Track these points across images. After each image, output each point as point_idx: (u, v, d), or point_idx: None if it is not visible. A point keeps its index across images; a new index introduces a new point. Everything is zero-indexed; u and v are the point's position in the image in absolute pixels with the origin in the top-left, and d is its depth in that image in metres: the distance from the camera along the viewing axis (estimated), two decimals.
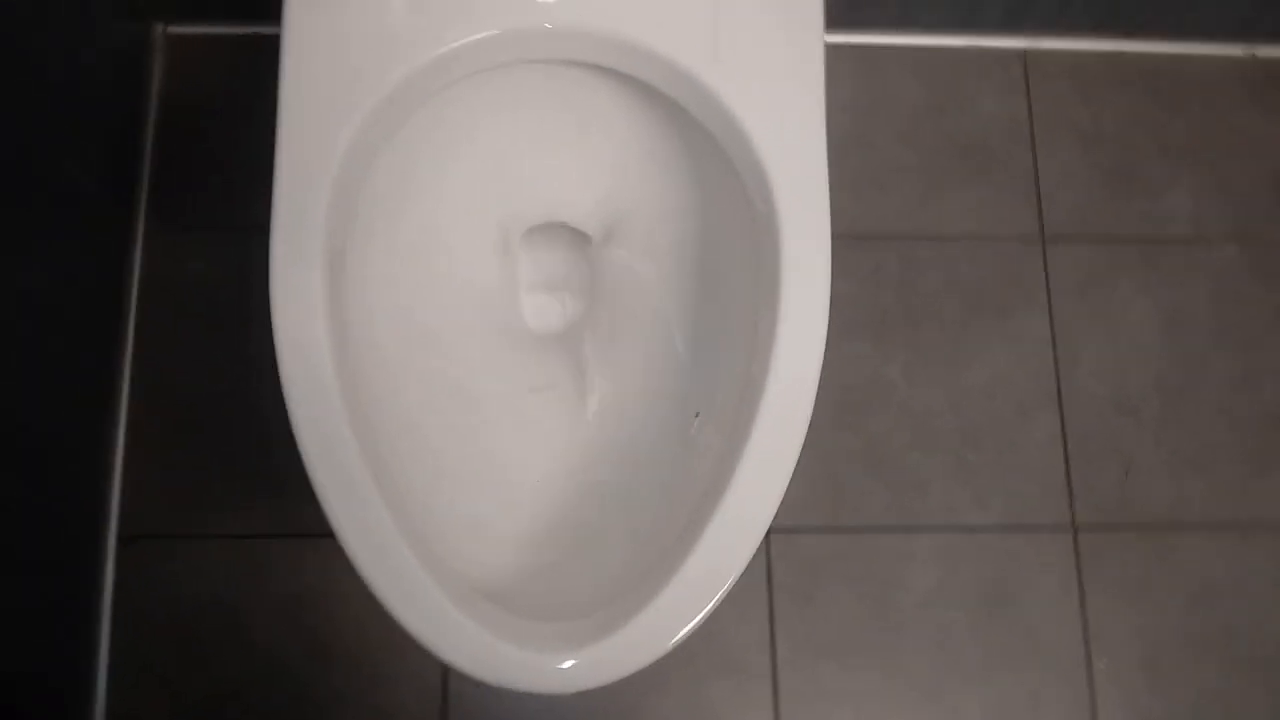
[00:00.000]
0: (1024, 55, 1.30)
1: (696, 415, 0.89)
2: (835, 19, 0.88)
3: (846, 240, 0.81)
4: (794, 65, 0.82)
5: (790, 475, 0.77)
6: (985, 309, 1.23)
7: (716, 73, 0.81)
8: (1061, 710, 1.14)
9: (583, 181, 0.98)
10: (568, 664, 0.71)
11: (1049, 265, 1.24)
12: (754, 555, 0.76)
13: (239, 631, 1.10)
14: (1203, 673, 1.16)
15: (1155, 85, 1.31)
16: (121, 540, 1.11)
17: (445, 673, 1.10)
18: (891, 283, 1.22)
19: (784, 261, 0.79)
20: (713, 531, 0.75)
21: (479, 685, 0.71)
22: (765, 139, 0.80)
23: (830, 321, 0.79)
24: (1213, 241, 1.27)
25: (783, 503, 0.77)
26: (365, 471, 0.73)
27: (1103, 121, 1.29)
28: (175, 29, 1.24)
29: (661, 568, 0.75)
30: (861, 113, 1.26)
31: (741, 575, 0.75)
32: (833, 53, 0.84)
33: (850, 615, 1.14)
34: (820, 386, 0.78)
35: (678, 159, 0.94)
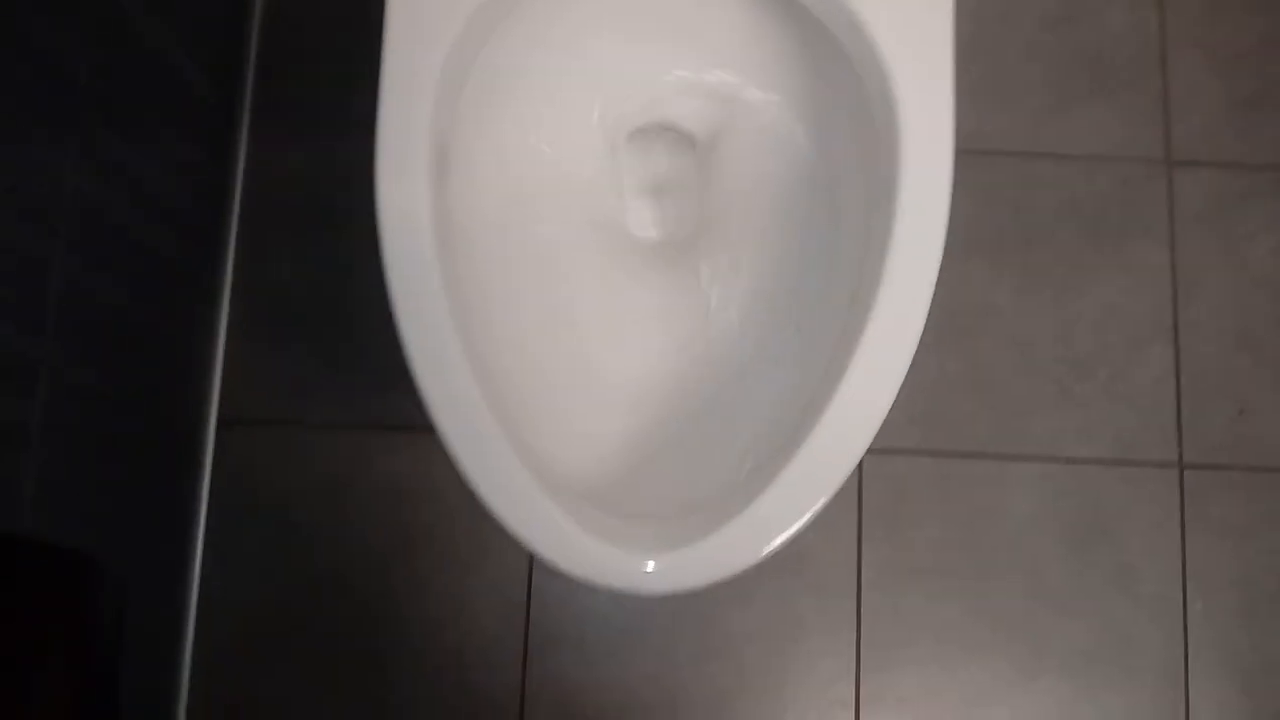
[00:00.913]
0: None
1: (798, 330, 0.87)
2: None
3: (962, 155, 0.77)
4: None
5: (895, 394, 0.75)
6: (1103, 234, 1.18)
7: None
8: (1152, 652, 1.11)
9: (691, 81, 0.95)
10: (650, 565, 0.71)
11: (1174, 191, 1.18)
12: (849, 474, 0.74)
13: (332, 519, 1.12)
14: None
15: None
16: (221, 424, 1.13)
17: (530, 566, 1.11)
18: (1006, 202, 1.18)
19: (902, 175, 0.76)
20: (810, 446, 0.73)
21: (562, 578, 0.71)
22: (890, 41, 0.76)
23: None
24: None
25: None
26: (465, 365, 0.73)
27: (1239, 42, 1.22)
28: None
29: (756, 479, 0.74)
30: (987, 19, 1.21)
31: (835, 493, 0.74)
32: None
33: (940, 541, 1.12)
34: (931, 307, 0.76)
35: (792, 59, 0.91)
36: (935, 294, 0.76)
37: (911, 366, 0.75)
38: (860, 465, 1.13)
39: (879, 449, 1.12)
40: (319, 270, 1.16)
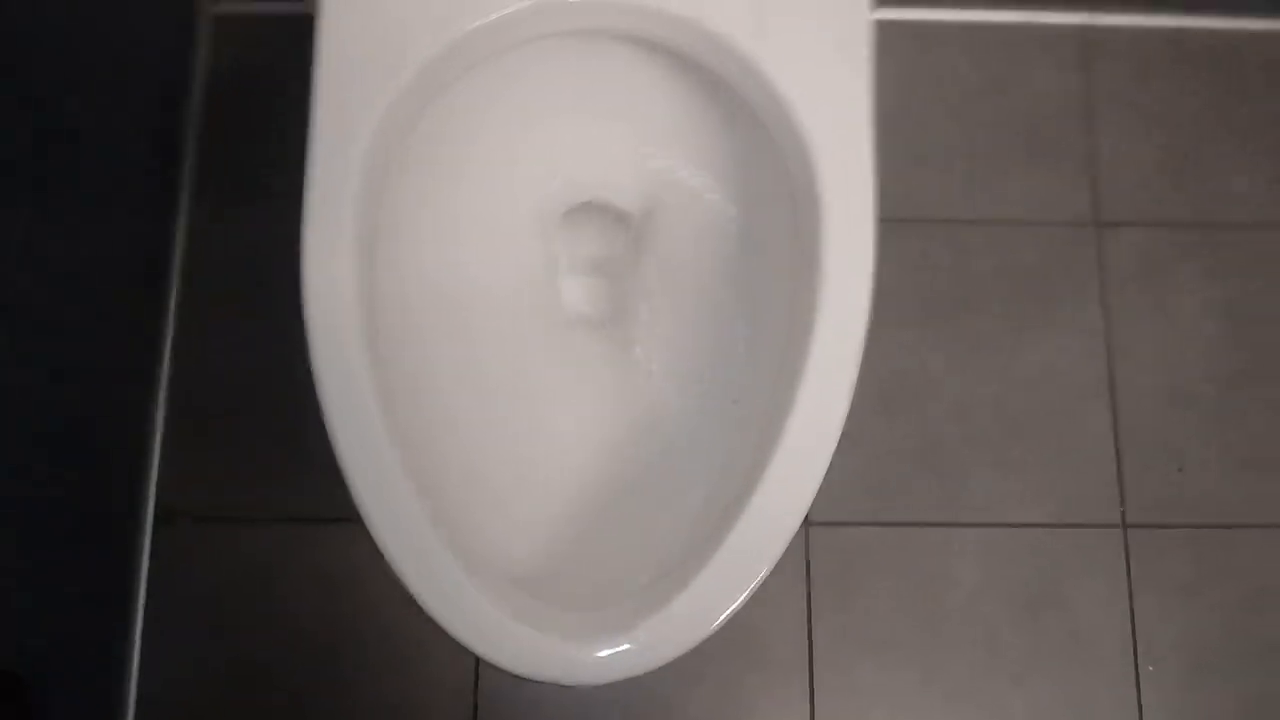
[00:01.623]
0: (1083, 32, 1.26)
1: (735, 401, 0.87)
2: None
3: (892, 224, 0.78)
4: (840, 40, 0.79)
5: (826, 466, 0.75)
6: (1036, 297, 1.19)
7: (760, 46, 0.78)
8: (1107, 714, 1.10)
9: (621, 159, 0.95)
10: (592, 653, 0.70)
11: (1103, 252, 1.20)
12: (792, 547, 0.74)
13: (271, 612, 1.09)
14: (1253, 679, 1.11)
15: (1218, 64, 1.26)
16: (159, 519, 1.10)
17: (478, 663, 1.08)
18: (939, 269, 1.19)
19: (824, 245, 0.76)
20: (748, 518, 0.73)
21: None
22: (809, 115, 0.77)
23: (875, 308, 0.77)
24: (1276, 228, 1.22)
25: (822, 495, 0.75)
26: (396, 462, 0.73)
27: (1164, 102, 1.25)
28: (224, 7, 1.23)
29: (694, 557, 0.73)
30: (911, 91, 1.23)
31: (779, 567, 0.74)
32: (882, 29, 0.81)
33: (890, 611, 1.11)
34: (864, 376, 0.76)
35: (718, 135, 0.92)
36: (873, 362, 0.77)
37: (852, 436, 0.76)
38: (806, 538, 1.12)
39: (825, 521, 1.12)
40: (258, 353, 1.14)
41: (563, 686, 0.72)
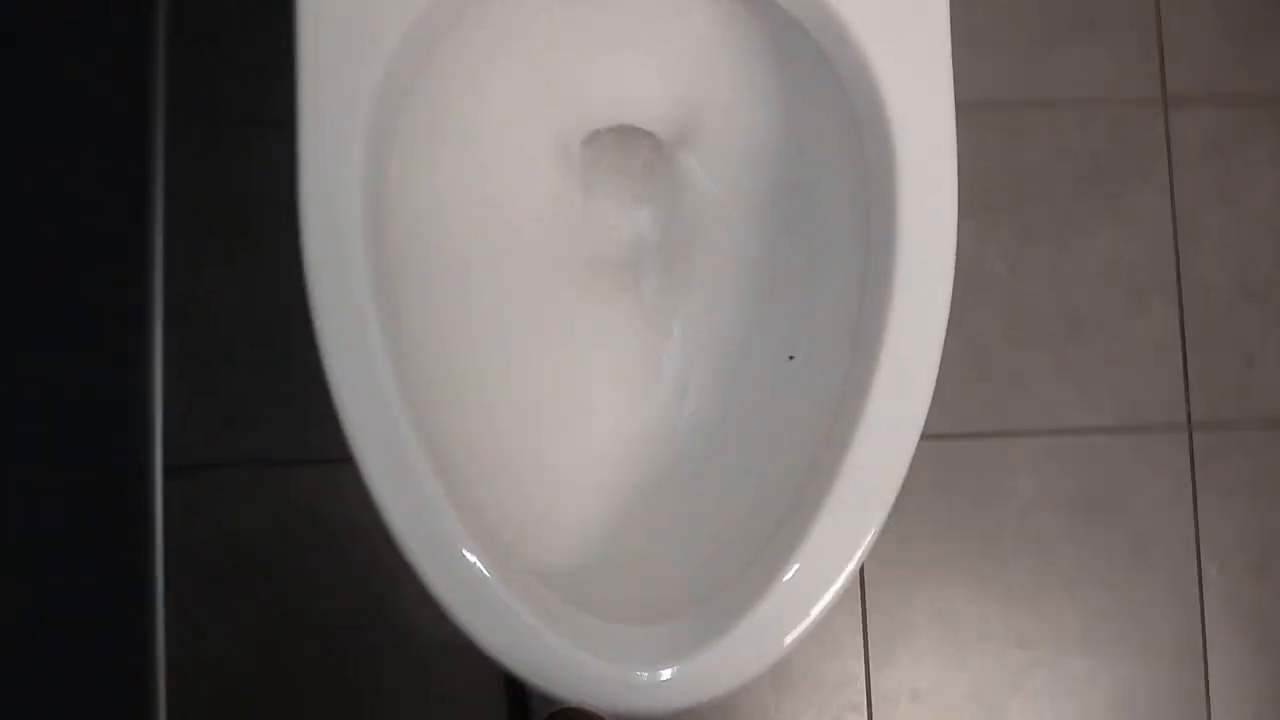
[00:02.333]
0: None
1: (790, 358, 0.79)
2: None
3: None
4: None
5: (918, 438, 0.69)
6: (1098, 184, 1.10)
7: None
8: (1167, 619, 1.08)
9: (650, 76, 0.84)
10: (666, 674, 0.63)
11: (1170, 133, 1.10)
12: None
13: (302, 559, 1.04)
14: None
15: None
16: (168, 472, 1.04)
17: None
18: (994, 155, 1.10)
19: (901, 213, 0.69)
20: (830, 509, 0.66)
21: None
22: (885, 63, 0.68)
23: None
24: None
25: None
26: (420, 455, 0.64)
27: None
28: None
29: (768, 554, 0.67)
30: None
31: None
32: None
33: (945, 525, 1.07)
34: None
35: (762, 53, 0.81)
36: None
37: None
38: None
39: None
40: (253, 287, 1.05)
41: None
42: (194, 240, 1.05)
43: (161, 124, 1.06)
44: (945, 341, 1.05)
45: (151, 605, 1.03)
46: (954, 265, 0.71)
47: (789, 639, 0.65)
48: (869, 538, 0.67)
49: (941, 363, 1.05)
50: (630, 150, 0.87)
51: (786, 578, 0.65)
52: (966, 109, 1.08)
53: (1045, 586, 1.07)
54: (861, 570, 1.05)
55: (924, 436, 1.07)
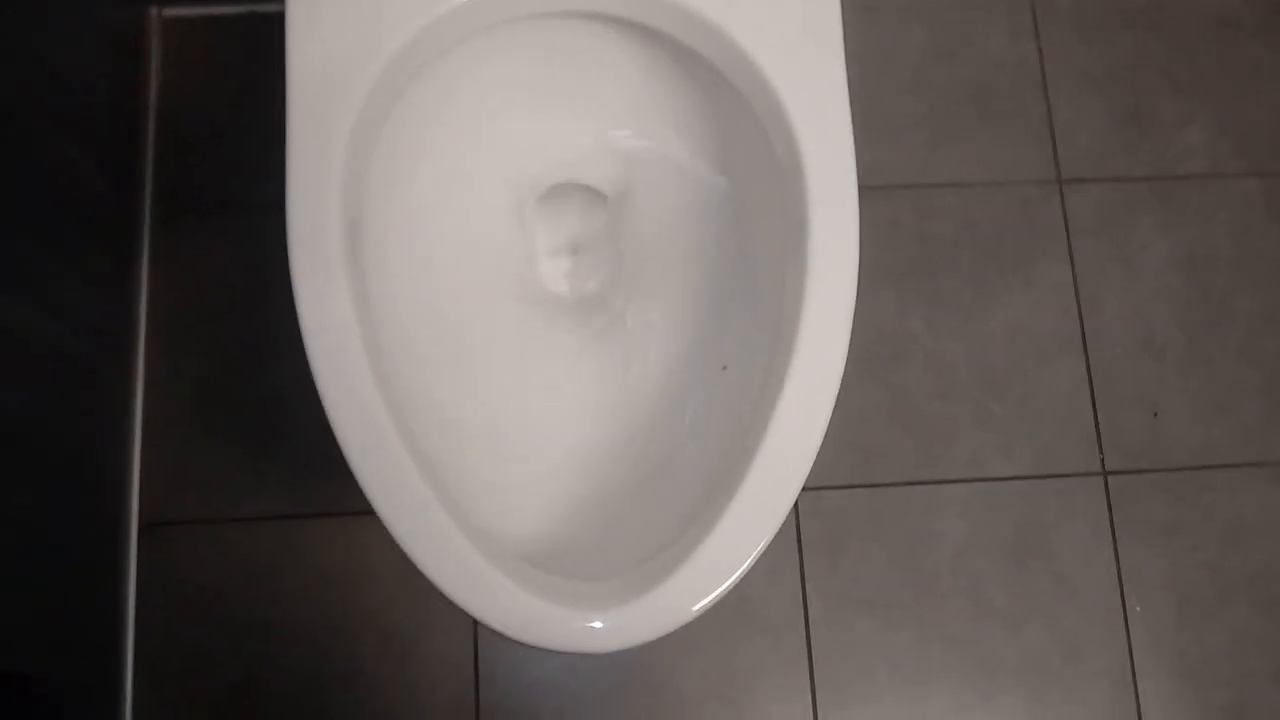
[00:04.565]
0: None
1: (724, 369, 0.88)
2: None
3: (860, 191, 0.79)
4: (809, 6, 0.80)
5: (823, 435, 0.76)
6: (1004, 255, 1.21)
7: (731, 15, 0.79)
8: (1098, 655, 1.13)
9: (596, 139, 0.96)
10: (597, 622, 0.70)
11: (1067, 208, 1.23)
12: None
13: (264, 614, 1.09)
14: (1236, 613, 1.15)
15: (1160, 21, 1.29)
16: (143, 529, 1.09)
17: (476, 642, 1.09)
18: (909, 233, 1.21)
19: (811, 209, 0.77)
20: (749, 487, 0.73)
21: (509, 651, 0.68)
22: (786, 82, 0.78)
23: None
24: (1230, 177, 1.25)
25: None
26: (397, 440, 0.72)
27: (1112, 61, 1.28)
28: (170, 11, 1.22)
29: (696, 526, 0.74)
30: (866, 63, 1.24)
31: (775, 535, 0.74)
32: None
33: (881, 570, 1.13)
34: None
35: (694, 107, 0.92)
36: (852, 327, 0.77)
37: (836, 401, 0.76)
38: (796, 504, 1.13)
39: (812, 486, 1.13)
40: (230, 358, 1.14)
41: (566, 655, 0.72)
42: (174, 314, 1.14)
43: (149, 207, 1.17)
44: (876, 400, 1.15)
45: (122, 657, 1.06)
46: (857, 274, 0.78)
47: (697, 607, 0.72)
48: (783, 511, 0.74)
49: (871, 418, 1.14)
50: (579, 203, 0.98)
51: (697, 558, 0.72)
52: (882, 190, 1.21)
53: (982, 627, 1.12)
54: (805, 611, 1.10)
55: (859, 485, 1.15)
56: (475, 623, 1.08)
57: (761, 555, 0.74)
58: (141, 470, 1.11)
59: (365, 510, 0.70)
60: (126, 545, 1.09)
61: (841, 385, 0.76)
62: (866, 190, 1.17)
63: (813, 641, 1.11)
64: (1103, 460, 1.17)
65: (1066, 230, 1.22)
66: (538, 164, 0.96)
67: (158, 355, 1.13)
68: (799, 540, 1.13)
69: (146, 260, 1.16)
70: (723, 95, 0.84)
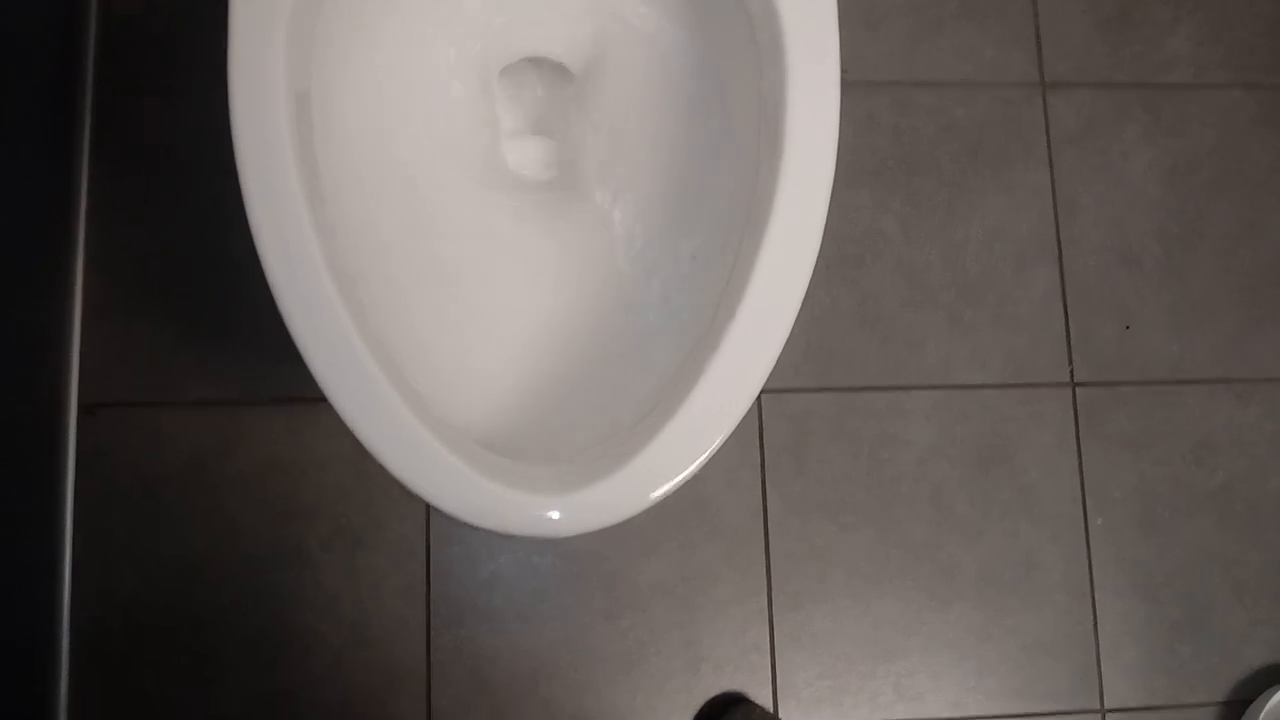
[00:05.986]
0: None
1: (693, 258, 0.84)
2: None
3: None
4: None
5: (789, 330, 0.73)
6: (984, 158, 1.18)
7: None
8: (1057, 567, 1.12)
9: (559, 10, 0.91)
10: (554, 511, 0.67)
11: (1049, 113, 1.19)
12: (747, 414, 0.72)
13: (209, 501, 1.05)
14: (1199, 529, 1.14)
15: None
16: (83, 409, 1.06)
17: (428, 534, 1.06)
18: (885, 131, 1.17)
19: (789, 99, 0.74)
20: (708, 380, 0.71)
21: (461, 543, 0.66)
22: None
23: None
24: (1216, 88, 1.22)
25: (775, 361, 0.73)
26: (346, 318, 0.68)
27: None
28: None
29: (657, 416, 0.71)
30: None
31: (734, 434, 0.72)
32: None
33: (844, 475, 1.11)
34: None
35: None
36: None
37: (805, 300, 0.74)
38: (759, 405, 1.11)
39: (776, 388, 1.11)
40: (174, 237, 1.09)
41: (521, 539, 0.69)
42: (115, 191, 1.09)
43: (90, 84, 1.11)
44: (846, 303, 1.12)
45: (60, 540, 1.03)
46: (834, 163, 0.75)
47: (655, 494, 0.69)
48: (743, 406, 0.71)
49: (840, 320, 1.12)
50: (544, 79, 0.93)
51: (656, 446, 0.69)
52: (860, 87, 1.17)
53: (941, 535, 1.11)
54: (765, 513, 1.09)
55: (825, 388, 1.13)
56: (428, 514, 1.06)
57: (722, 449, 0.71)
58: (82, 349, 1.06)
59: (319, 398, 0.67)
60: (65, 427, 1.05)
61: (811, 286, 0.74)
62: (844, 85, 1.14)
63: (770, 543, 1.09)
64: (1072, 372, 1.15)
65: (1047, 135, 1.19)
66: (500, 36, 0.91)
67: (99, 229, 1.08)
68: (761, 442, 1.11)
69: (89, 132, 1.10)
70: None
